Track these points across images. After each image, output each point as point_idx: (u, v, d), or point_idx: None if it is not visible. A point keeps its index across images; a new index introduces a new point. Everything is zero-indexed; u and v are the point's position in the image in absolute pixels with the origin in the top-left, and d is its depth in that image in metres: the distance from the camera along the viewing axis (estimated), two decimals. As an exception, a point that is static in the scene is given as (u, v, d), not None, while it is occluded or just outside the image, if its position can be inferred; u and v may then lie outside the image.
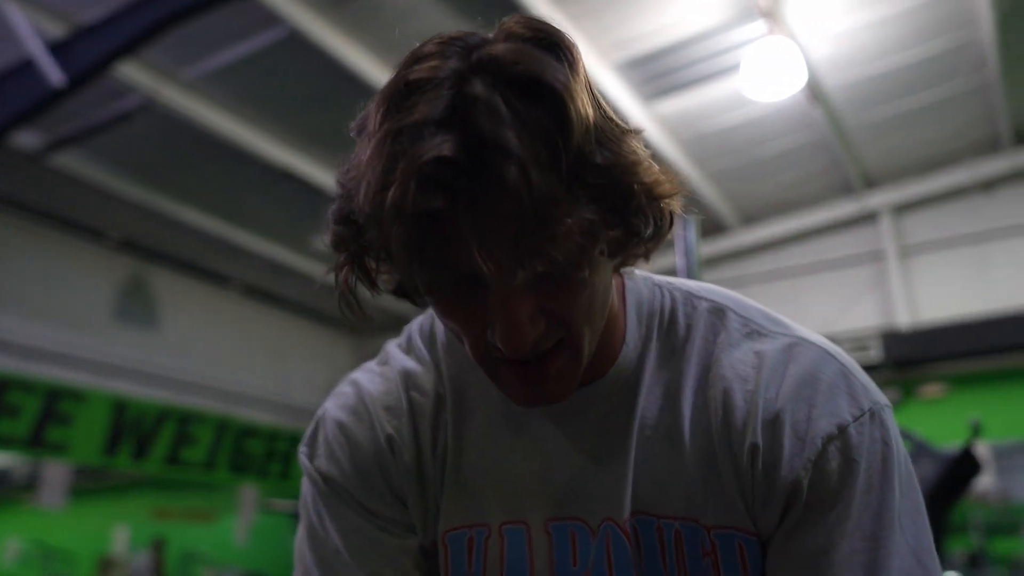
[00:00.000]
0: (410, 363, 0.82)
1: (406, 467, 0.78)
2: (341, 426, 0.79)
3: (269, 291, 9.06)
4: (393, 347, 0.85)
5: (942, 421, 6.81)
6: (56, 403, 6.89)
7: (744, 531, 0.71)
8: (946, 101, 6.52)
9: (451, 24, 5.33)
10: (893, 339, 7.41)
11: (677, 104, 6.36)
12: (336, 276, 0.69)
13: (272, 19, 5.12)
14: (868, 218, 7.92)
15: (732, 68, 5.89)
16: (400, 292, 0.70)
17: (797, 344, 0.75)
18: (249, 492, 8.89)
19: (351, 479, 0.78)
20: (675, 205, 0.68)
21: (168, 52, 5.40)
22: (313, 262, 8.48)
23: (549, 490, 0.76)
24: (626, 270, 0.79)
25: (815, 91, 6.12)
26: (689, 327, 0.77)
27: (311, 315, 9.60)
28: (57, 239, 7.43)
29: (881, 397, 0.73)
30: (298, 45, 5.25)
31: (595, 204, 0.59)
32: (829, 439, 0.69)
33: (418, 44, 0.64)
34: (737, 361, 0.73)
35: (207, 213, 7.44)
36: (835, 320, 7.71)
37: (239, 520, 9.07)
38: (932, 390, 7.59)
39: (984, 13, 5.47)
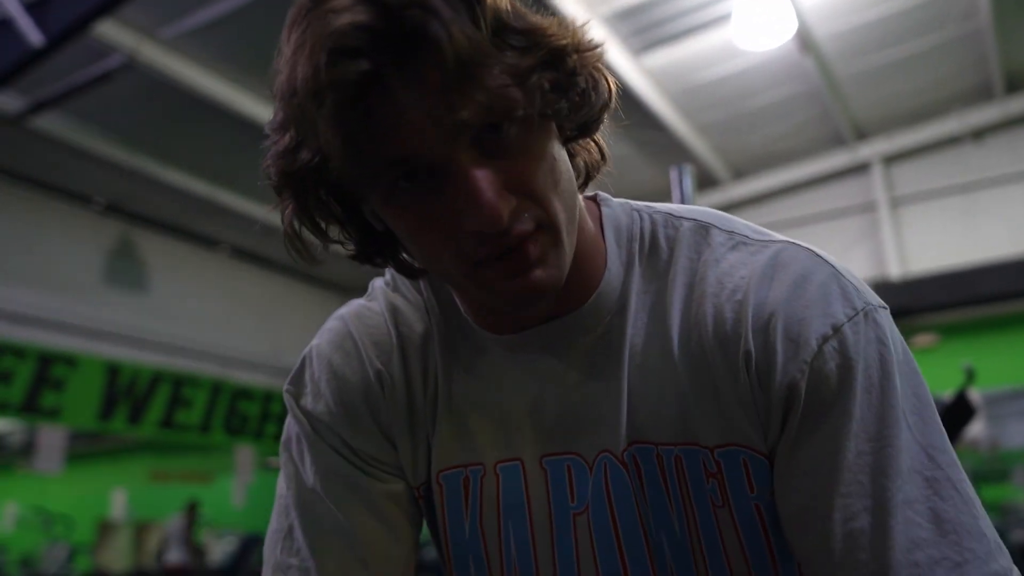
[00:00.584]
0: (397, 299, 0.80)
1: (396, 404, 0.76)
2: (329, 362, 0.77)
3: (258, 253, 9.02)
4: (379, 283, 0.83)
5: (935, 370, 6.81)
6: (48, 368, 6.88)
7: (748, 447, 0.68)
8: (937, 49, 6.47)
9: None
10: (884, 289, 7.43)
11: (667, 56, 6.29)
12: (282, 220, 0.66)
13: (252, -26, 5.02)
14: (859, 169, 7.90)
15: (722, 18, 5.82)
16: (360, 253, 0.69)
17: (785, 249, 0.71)
18: (245, 454, 8.94)
19: (337, 417, 0.76)
20: (604, 70, 0.67)
21: (148, 10, 5.30)
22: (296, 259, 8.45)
23: (542, 425, 0.74)
24: (601, 196, 0.78)
25: (805, 40, 6.06)
26: (672, 248, 0.74)
27: (301, 276, 9.58)
28: (42, 203, 7.37)
29: (875, 299, 0.70)
30: (280, 2, 5.15)
31: (519, 55, 0.59)
32: (824, 339, 0.65)
33: None
34: (723, 274, 0.70)
35: (192, 174, 7.38)
36: (826, 272, 7.72)
37: (236, 481, 9.13)
38: (924, 340, 7.64)
39: (976, -42, 5.41)
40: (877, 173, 7.80)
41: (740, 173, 8.25)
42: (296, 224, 0.66)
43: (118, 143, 6.81)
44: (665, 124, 6.94)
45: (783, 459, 0.67)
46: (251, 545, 8.74)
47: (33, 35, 4.64)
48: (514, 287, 0.64)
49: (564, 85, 0.62)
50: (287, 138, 0.62)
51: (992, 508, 6.98)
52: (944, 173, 7.56)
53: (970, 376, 5.21)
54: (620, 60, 6.12)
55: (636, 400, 0.71)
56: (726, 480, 0.69)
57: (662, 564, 0.72)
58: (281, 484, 0.78)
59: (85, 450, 10.90)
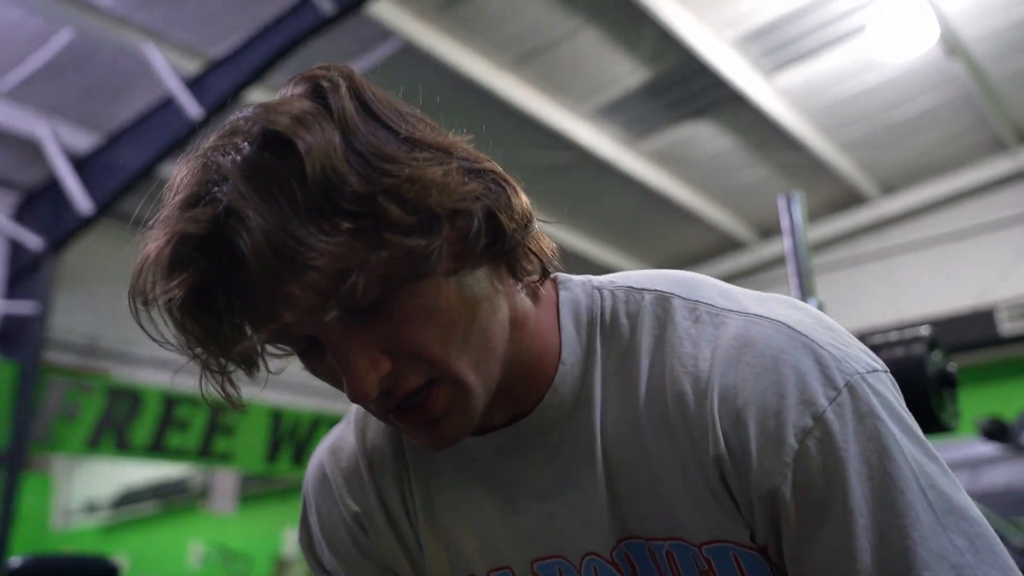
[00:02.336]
0: (369, 420, 0.80)
1: (382, 538, 0.77)
2: (318, 511, 0.80)
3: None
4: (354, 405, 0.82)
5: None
6: (220, 415, 7.36)
7: (736, 543, 0.64)
8: (1105, 39, 5.96)
9: (557, 19, 5.35)
10: (1061, 304, 6.84)
11: (801, 74, 6.10)
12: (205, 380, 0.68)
13: (385, 33, 5.28)
14: (1024, 175, 7.34)
15: (857, 30, 5.60)
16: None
17: (751, 323, 0.65)
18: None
19: (339, 569, 0.79)
20: (500, 207, 0.62)
21: (291, 76, 5.65)
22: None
23: (524, 531, 0.72)
24: (561, 278, 0.74)
25: (951, 45, 5.73)
26: (634, 327, 0.69)
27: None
28: (209, 262, 7.94)
29: (862, 362, 0.63)
30: (412, 56, 5.39)
31: (353, 233, 0.56)
32: (805, 433, 0.59)
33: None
34: (687, 356, 0.65)
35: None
36: (993, 287, 7.18)
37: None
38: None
39: None
40: (1046, 177, 7.22)
41: (889, 188, 7.83)
42: (217, 382, 0.67)
43: (273, 201, 7.25)
44: (804, 144, 6.71)
45: (794, 568, 0.62)
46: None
47: (192, 109, 5.07)
48: (421, 438, 0.65)
49: (418, 245, 0.57)
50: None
51: None
52: (1125, 172, 6.92)
53: None
54: (752, 83, 5.99)
55: (618, 496, 0.68)
56: (718, 574, 0.65)
57: None
58: None
59: (257, 491, 11.53)
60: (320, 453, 0.82)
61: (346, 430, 0.81)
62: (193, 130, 5.20)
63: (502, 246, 0.63)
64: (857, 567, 0.58)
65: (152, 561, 12.05)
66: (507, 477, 0.72)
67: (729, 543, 0.64)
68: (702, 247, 8.27)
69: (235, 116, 0.62)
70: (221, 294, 0.57)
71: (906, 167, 7.50)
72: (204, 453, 7.30)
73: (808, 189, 7.69)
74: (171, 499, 12.35)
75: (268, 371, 0.64)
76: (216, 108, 5.10)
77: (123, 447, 6.70)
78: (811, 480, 0.59)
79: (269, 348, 0.62)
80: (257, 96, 5.60)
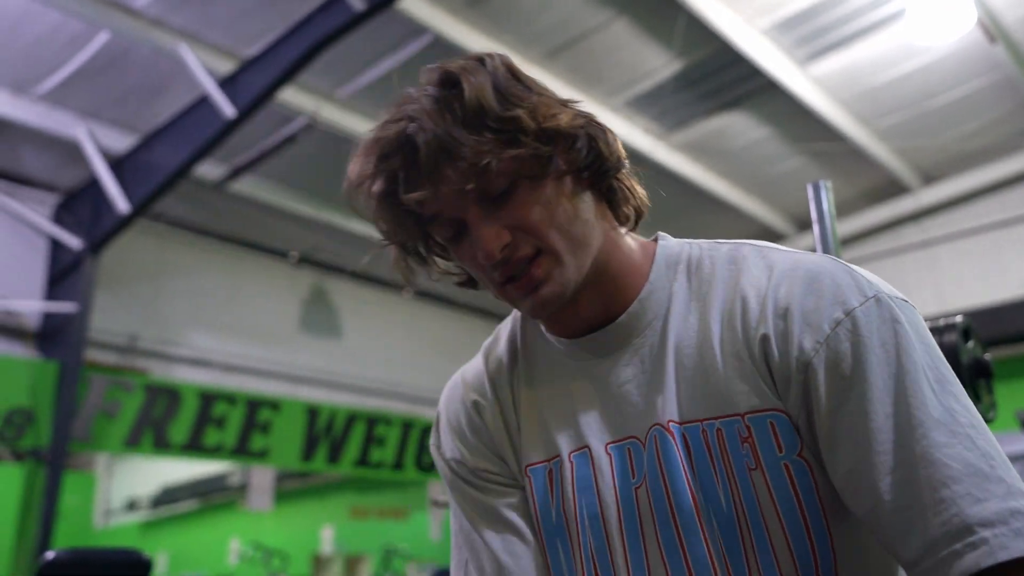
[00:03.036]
0: (493, 339, 1.03)
1: (493, 423, 0.96)
2: (446, 410, 1.01)
3: (439, 293, 9.35)
4: (485, 343, 1.04)
5: None
6: (256, 413, 7.42)
7: (774, 409, 0.80)
8: None
9: (588, 12, 5.31)
10: (1112, 293, 6.65)
11: (837, 62, 5.99)
12: (394, 263, 0.92)
13: (416, 29, 5.28)
14: (1072, 160, 7.14)
15: (895, 16, 5.49)
16: (465, 282, 0.94)
17: (807, 255, 0.85)
18: (436, 489, 9.21)
19: (460, 452, 0.97)
20: (596, 135, 0.86)
21: (324, 74, 5.68)
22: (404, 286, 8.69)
23: (605, 419, 0.89)
24: (661, 235, 0.95)
25: (992, 29, 5.59)
26: (713, 264, 0.89)
27: (479, 313, 9.83)
28: (243, 260, 8.02)
29: (892, 291, 0.80)
30: (442, 50, 5.38)
31: (495, 141, 0.79)
32: (836, 323, 0.77)
33: None
34: (752, 276, 0.85)
35: (374, 223, 7.76)
36: (1040, 277, 7.01)
37: (431, 517, 9.41)
38: None
39: None
40: (1094, 163, 7.02)
41: (931, 177, 7.68)
42: (399, 265, 0.92)
43: (306, 199, 7.31)
44: (842, 133, 6.60)
45: (824, 435, 0.77)
46: (448, 578, 8.95)
47: (226, 108, 5.10)
48: (527, 303, 0.85)
49: (537, 154, 0.81)
50: (374, 209, 0.87)
51: None
52: None
53: None
54: (787, 72, 5.90)
55: (683, 384, 0.85)
56: (757, 442, 0.80)
57: (713, 539, 0.82)
58: (452, 521, 1.00)
59: (294, 488, 11.62)
60: (456, 374, 1.04)
61: (477, 359, 1.02)
62: (228, 129, 5.24)
63: (601, 172, 0.86)
64: (869, 424, 0.74)
65: (191, 558, 12.19)
66: (595, 372, 0.91)
67: (768, 411, 0.80)
68: (738, 239, 8.17)
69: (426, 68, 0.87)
70: (407, 179, 0.81)
71: (948, 155, 7.34)
72: (240, 451, 7.35)
73: (847, 179, 7.61)
74: (210, 497, 12.50)
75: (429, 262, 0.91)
76: (250, 107, 5.13)
77: (161, 445, 6.78)
78: (839, 358, 0.76)
79: (432, 241, 0.89)
80: (289, 95, 5.63)
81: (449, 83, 0.82)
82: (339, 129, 6.14)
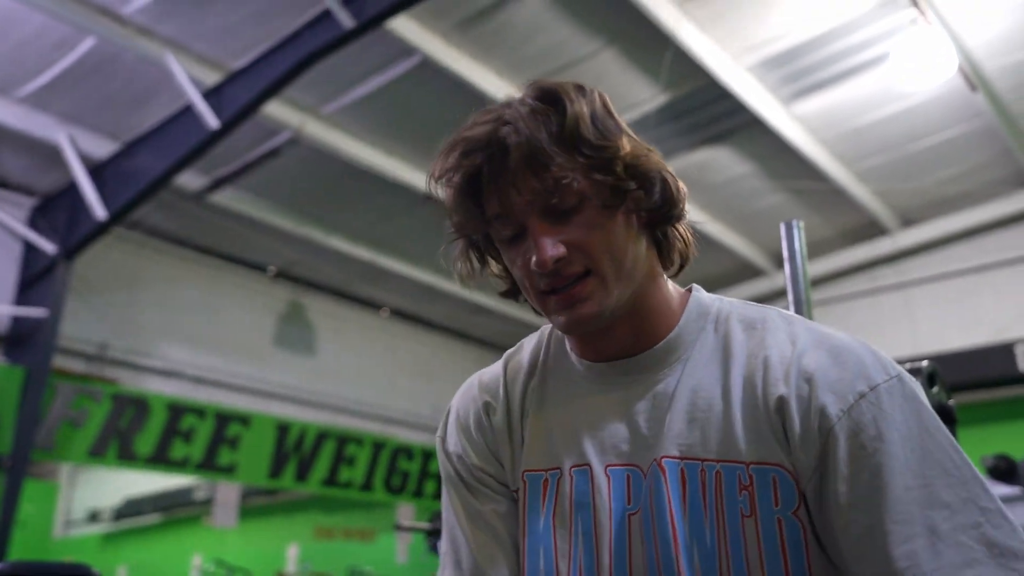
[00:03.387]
0: (513, 351, 1.07)
1: (498, 424, 1.00)
2: (456, 407, 1.06)
3: (417, 314, 9.31)
4: (507, 353, 1.08)
5: None
6: (225, 427, 7.31)
7: (779, 466, 0.83)
8: None
9: (577, 41, 5.35)
10: (1082, 342, 6.72)
11: (820, 102, 6.06)
12: (457, 256, 0.97)
13: (404, 50, 5.28)
14: (1049, 210, 7.24)
15: (879, 60, 5.56)
16: (508, 290, 0.99)
17: (833, 332, 0.88)
18: (405, 511, 9.11)
19: (462, 447, 1.01)
20: (668, 179, 0.92)
21: (310, 89, 5.66)
22: (455, 282, 8.65)
23: (610, 442, 0.93)
24: (695, 287, 1.00)
25: (974, 77, 5.67)
26: (740, 324, 0.93)
27: (457, 335, 9.79)
28: (221, 272, 7.94)
29: (912, 377, 0.83)
30: (430, 72, 5.39)
31: (584, 165, 0.85)
32: (861, 395, 0.80)
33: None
34: (777, 340, 0.88)
35: (355, 240, 7.74)
36: (1014, 323, 7.08)
37: (398, 539, 9.30)
38: None
39: None
40: (1069, 214, 7.13)
41: (910, 220, 7.76)
42: (462, 258, 0.97)
43: (287, 214, 7.27)
44: (823, 172, 6.66)
45: (837, 500, 0.78)
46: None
47: (210, 119, 5.07)
48: (563, 317, 0.89)
49: (618, 186, 0.87)
50: (450, 200, 0.91)
51: None
52: None
53: None
54: (771, 109, 5.95)
55: (692, 424, 0.88)
56: (756, 493, 0.82)
57: (691, 571, 0.84)
58: (443, 512, 1.04)
59: (259, 505, 11.46)
60: (473, 375, 1.08)
61: (497, 364, 1.06)
62: (211, 140, 5.20)
63: (664, 217, 0.92)
64: (888, 494, 0.76)
65: (152, 573, 11.96)
66: (609, 397, 0.95)
67: (773, 465, 0.83)
68: (719, 273, 8.20)
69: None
70: (487, 177, 0.86)
71: (926, 199, 7.42)
72: (207, 465, 7.24)
73: (826, 218, 7.67)
74: (174, 511, 12.29)
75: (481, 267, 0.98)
76: (234, 119, 5.10)
77: (126, 457, 6.65)
78: (861, 428, 0.78)
79: (495, 235, 0.92)
80: (274, 108, 5.61)
81: (550, 99, 0.87)
82: (323, 145, 6.12)
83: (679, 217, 0.94)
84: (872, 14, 5.21)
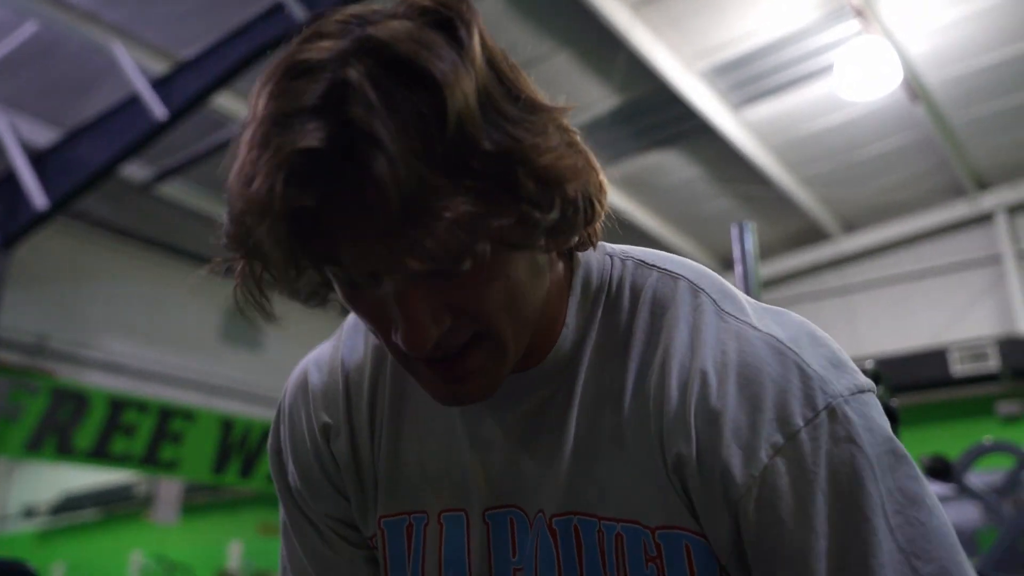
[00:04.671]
0: (356, 340, 0.80)
1: (341, 453, 0.76)
2: (290, 419, 0.80)
3: (367, 311, 9.26)
4: (349, 319, 0.82)
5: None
6: (168, 422, 7.19)
7: (690, 531, 0.64)
8: (1062, 93, 6.13)
9: (530, 41, 5.36)
10: (1013, 347, 6.97)
11: (768, 109, 6.19)
12: (236, 279, 0.64)
13: (358, 45, 5.25)
14: (982, 220, 7.49)
15: (825, 70, 5.69)
16: (298, 294, 0.66)
17: (747, 333, 0.65)
18: (351, 508, 9.07)
19: (297, 479, 0.78)
20: (593, 188, 0.62)
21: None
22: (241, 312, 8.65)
23: (487, 478, 0.72)
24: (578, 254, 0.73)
25: (916, 89, 5.85)
26: (635, 301, 0.70)
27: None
28: (166, 265, 7.80)
29: (847, 383, 0.62)
30: (384, 69, 5.36)
31: (478, 193, 0.53)
32: (776, 450, 0.59)
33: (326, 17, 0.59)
34: (679, 344, 0.66)
35: (304, 236, 7.67)
36: (948, 328, 7.31)
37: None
38: (1058, 402, 7.10)
39: (1100, -3, 5.13)
40: (1002, 224, 7.38)
41: (852, 226, 7.96)
42: (247, 292, 0.65)
43: (235, 207, 7.17)
44: (769, 178, 6.80)
45: (757, 570, 0.61)
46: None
47: (158, 109, 4.98)
48: (443, 392, 0.63)
49: (528, 218, 0.56)
50: (235, 230, 0.58)
51: None
52: (1076, 222, 7.10)
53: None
54: (720, 115, 6.06)
55: (581, 467, 0.68)
56: (666, 565, 0.64)
57: None
58: (281, 547, 0.83)
59: (202, 501, 11.30)
60: (305, 362, 0.82)
61: (334, 346, 0.80)
62: (158, 131, 5.11)
63: (582, 242, 0.64)
64: (815, 571, 0.58)
65: (90, 570, 11.71)
66: (487, 425, 0.72)
67: (683, 531, 0.64)
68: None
69: (327, 20, 0.58)
70: (337, 221, 0.53)
71: (868, 206, 7.62)
72: (149, 460, 7.11)
73: (772, 223, 7.83)
74: (113, 506, 12.04)
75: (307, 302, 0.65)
76: (183, 110, 5.01)
77: (65, 451, 6.51)
78: (776, 497, 0.59)
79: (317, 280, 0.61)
80: (225, 100, 5.53)
81: (406, 68, 0.53)
82: (273, 139, 6.05)
83: (597, 233, 0.67)
84: (819, 24, 5.33)
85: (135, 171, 6.31)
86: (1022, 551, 3.48)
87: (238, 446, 7.80)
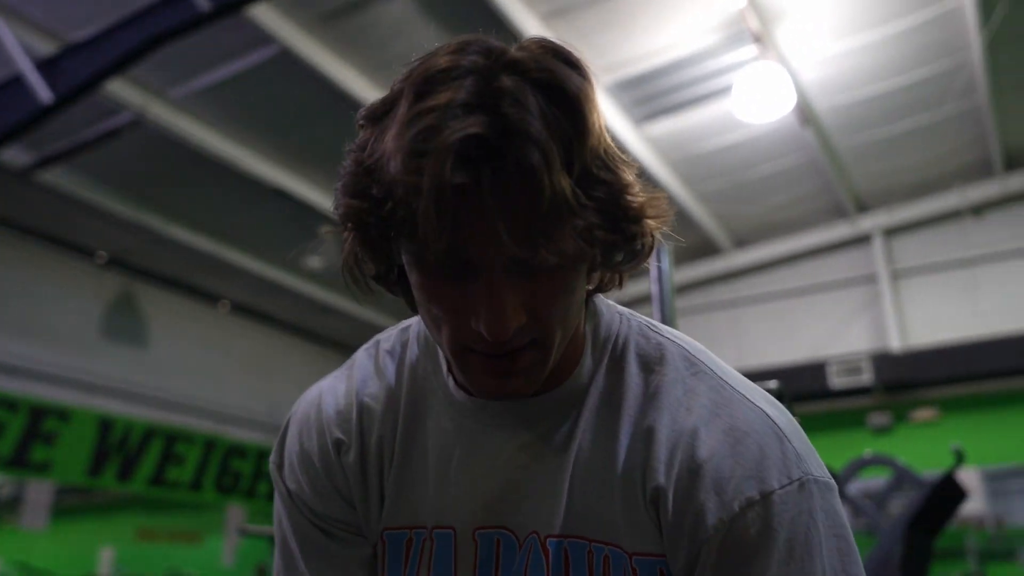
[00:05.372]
0: (370, 369, 0.85)
1: (350, 468, 0.82)
2: (298, 435, 0.85)
3: (258, 309, 9.01)
4: (360, 352, 0.88)
5: (934, 445, 6.78)
6: (40, 421, 6.81)
7: (661, 556, 0.71)
8: (937, 125, 6.54)
9: (428, 36, 5.34)
10: (885, 362, 7.40)
11: (668, 126, 6.37)
12: (344, 249, 0.71)
13: (263, 38, 5.11)
14: (860, 241, 7.93)
15: (723, 91, 5.90)
16: (384, 279, 0.73)
17: (738, 400, 0.72)
18: (236, 513, 8.79)
19: (305, 489, 0.83)
20: (658, 230, 0.71)
21: (158, 70, 5.38)
22: (303, 280, 8.43)
23: (482, 498, 0.77)
24: (596, 301, 0.81)
25: (806, 114, 6.13)
26: (639, 359, 0.77)
27: (301, 334, 9.54)
28: (44, 256, 7.38)
29: (818, 470, 0.70)
30: (289, 63, 5.24)
31: (595, 213, 0.63)
32: (750, 504, 0.66)
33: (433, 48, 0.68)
34: (675, 399, 0.73)
35: (196, 231, 7.40)
36: (827, 343, 7.69)
37: (226, 541, 8.96)
38: (924, 414, 7.56)
39: (974, 38, 5.50)
40: (878, 245, 7.82)
41: (742, 242, 8.28)
42: (356, 254, 0.70)
43: (124, 198, 6.86)
44: (666, 192, 6.96)
45: None
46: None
47: (42, 92, 4.71)
48: (490, 384, 0.70)
49: (622, 247, 0.68)
50: (373, 188, 0.64)
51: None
52: (945, 247, 7.59)
53: (959, 458, 5.17)
54: (622, 129, 6.19)
55: (575, 494, 0.74)
56: None
57: None
58: (276, 553, 0.86)
59: (72, 505, 10.74)
60: (317, 388, 0.87)
61: (348, 376, 0.86)
62: (42, 115, 4.84)
63: (630, 270, 0.73)
64: None
65: (-56, 578, 10.96)
66: (491, 450, 0.77)
67: (658, 557, 0.71)
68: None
69: (472, 46, 0.66)
70: (489, 203, 0.59)
71: (758, 223, 7.94)
72: (18, 462, 6.71)
73: (667, 236, 8.01)
74: (-26, 510, 11.30)
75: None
76: (71, 95, 4.76)
77: (-75, 452, 6.08)
78: (740, 544, 0.66)
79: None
80: (117, 87, 5.29)
81: (559, 95, 0.61)
82: (167, 130, 5.82)
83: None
84: (720, 47, 5.52)
85: (15, 156, 5.95)
86: (896, 559, 3.68)
87: (117, 447, 7.46)
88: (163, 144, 6.01)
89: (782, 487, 0.67)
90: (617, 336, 0.79)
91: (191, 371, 8.41)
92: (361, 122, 0.69)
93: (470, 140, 0.58)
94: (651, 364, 0.76)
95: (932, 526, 4.46)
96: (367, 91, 5.50)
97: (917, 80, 5.97)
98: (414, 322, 0.87)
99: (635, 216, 0.67)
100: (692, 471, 0.68)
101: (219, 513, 9.07)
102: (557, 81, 0.62)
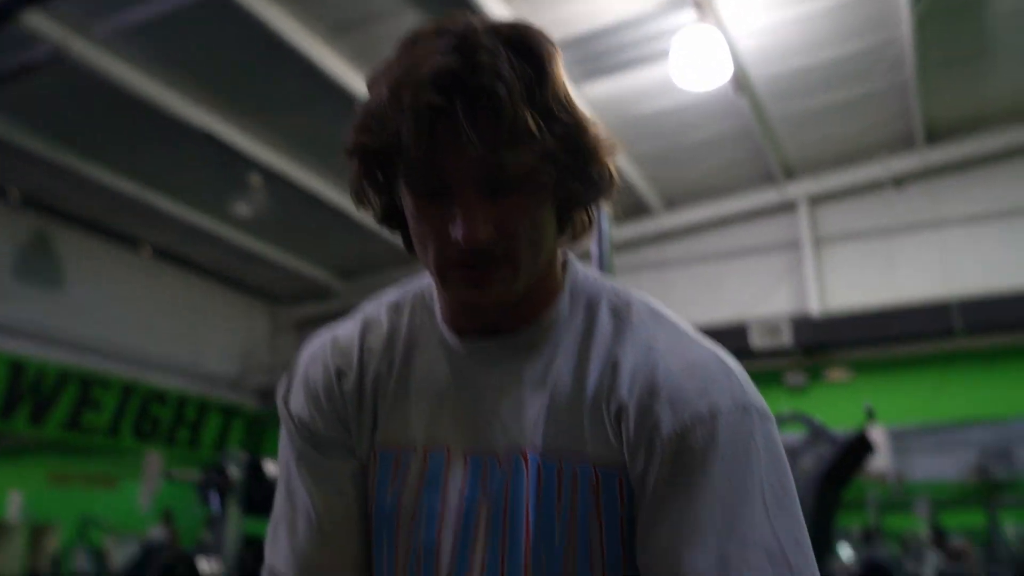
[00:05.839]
0: (373, 317, 0.98)
1: (349, 394, 0.93)
2: (305, 368, 0.97)
3: (183, 256, 8.77)
4: (368, 304, 1.01)
5: (847, 404, 7.08)
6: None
7: (622, 466, 0.82)
8: (865, 97, 6.71)
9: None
10: (803, 325, 7.65)
11: (606, 87, 6.37)
12: (353, 178, 0.83)
13: (194, -24, 4.89)
14: (786, 207, 8.12)
15: (661, 55, 5.91)
16: (388, 219, 0.87)
17: (695, 343, 0.85)
18: (154, 459, 8.65)
19: (307, 410, 0.94)
20: (613, 168, 0.83)
21: (80, 4, 5.11)
22: (230, 227, 8.23)
23: (472, 425, 0.88)
24: (571, 257, 0.94)
25: (741, 81, 6.20)
26: (611, 307, 0.89)
27: (227, 282, 9.35)
28: (-48, 193, 7.03)
29: (759, 403, 0.81)
30: (220, 6, 5.03)
31: (555, 140, 0.76)
32: (700, 419, 0.77)
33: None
34: (636, 342, 0.85)
35: (118, 173, 7.13)
36: (752, 305, 7.90)
37: (143, 487, 8.81)
38: (837, 375, 7.88)
39: (904, 15, 5.62)
40: (803, 212, 8.03)
41: (673, 204, 8.39)
42: (361, 183, 0.83)
43: (40, 136, 6.54)
44: (615, 140, 7.00)
45: (647, 509, 0.79)
46: (153, 551, 8.44)
47: (-46, 21, 4.44)
48: (466, 295, 0.82)
49: (575, 172, 0.80)
50: (372, 122, 0.78)
51: (895, 538, 7.26)
52: (866, 216, 7.84)
53: (870, 415, 5.44)
54: (562, 87, 6.16)
55: (552, 419, 0.85)
56: (602, 493, 0.82)
57: (538, 569, 0.84)
58: (280, 472, 0.98)
59: (-18, 448, 10.40)
60: (324, 331, 1.00)
61: (355, 321, 0.98)
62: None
63: (589, 201, 0.85)
64: (693, 518, 0.76)
65: None
66: (476, 379, 0.89)
67: (615, 466, 0.82)
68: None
69: (452, 22, 0.77)
70: (438, 119, 0.73)
71: (689, 186, 8.05)
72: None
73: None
74: None
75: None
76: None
77: None
78: (687, 453, 0.77)
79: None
80: (35, 20, 5.01)
81: (526, 50, 0.76)
82: (89, 67, 5.55)
83: (602, 200, 0.86)
84: (659, 10, 5.53)
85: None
86: (808, 510, 3.87)
87: (30, 390, 7.25)
88: (85, 82, 5.74)
89: (729, 411, 0.78)
90: (592, 289, 0.91)
91: (110, 316, 8.18)
92: (368, 83, 0.81)
93: (445, 72, 0.72)
94: (620, 312, 0.88)
95: (843, 479, 4.72)
96: (303, 39, 5.34)
97: (849, 53, 6.09)
98: (413, 283, 1.00)
99: (592, 149, 0.79)
100: (651, 391, 0.80)
101: (137, 458, 8.92)
102: (526, 41, 0.76)
